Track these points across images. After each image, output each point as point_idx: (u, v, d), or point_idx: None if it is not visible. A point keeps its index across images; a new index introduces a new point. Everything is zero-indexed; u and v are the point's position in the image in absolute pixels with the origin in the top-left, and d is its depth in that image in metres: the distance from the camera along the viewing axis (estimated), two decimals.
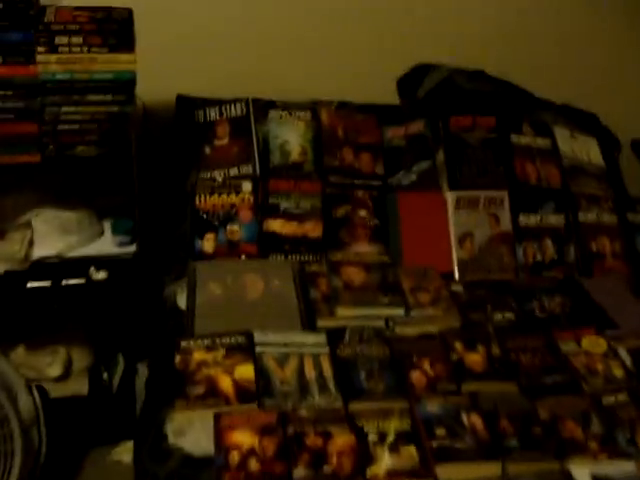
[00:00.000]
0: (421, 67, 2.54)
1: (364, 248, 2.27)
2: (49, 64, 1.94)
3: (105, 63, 1.95)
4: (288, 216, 2.28)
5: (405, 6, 2.52)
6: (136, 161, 2.06)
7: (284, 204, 2.28)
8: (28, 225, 2.20)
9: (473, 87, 2.47)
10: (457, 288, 2.21)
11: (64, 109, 1.97)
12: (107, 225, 2.27)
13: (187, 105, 2.43)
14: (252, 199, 2.27)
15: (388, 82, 2.54)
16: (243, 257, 2.21)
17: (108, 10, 1.98)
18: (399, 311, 2.04)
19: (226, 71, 2.49)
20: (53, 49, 1.93)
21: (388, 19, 2.54)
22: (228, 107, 2.39)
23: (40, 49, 1.93)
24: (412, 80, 2.52)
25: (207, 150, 2.35)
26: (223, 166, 2.33)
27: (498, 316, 2.13)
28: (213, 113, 2.40)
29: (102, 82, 1.97)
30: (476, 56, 2.57)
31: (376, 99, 2.51)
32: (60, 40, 1.93)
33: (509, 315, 2.13)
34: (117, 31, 1.95)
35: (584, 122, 2.60)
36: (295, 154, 2.36)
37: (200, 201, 2.26)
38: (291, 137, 2.38)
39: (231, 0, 2.46)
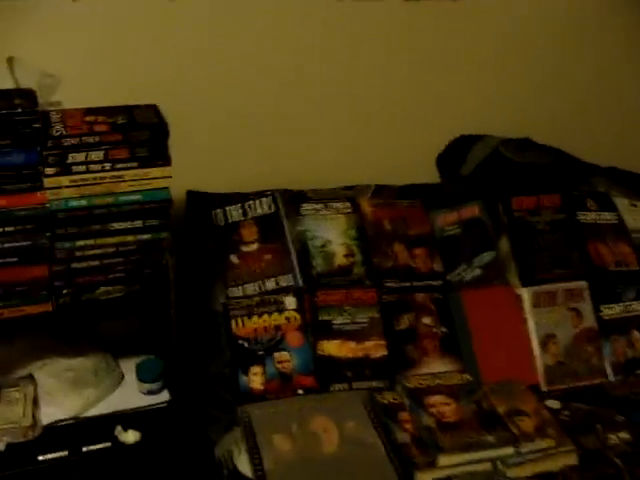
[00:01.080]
0: (462, 140, 2.08)
1: (437, 364, 1.81)
2: (61, 189, 1.39)
3: (133, 181, 1.40)
4: (344, 334, 1.82)
5: (438, 75, 2.04)
6: (174, 293, 1.52)
7: (337, 320, 1.81)
8: (30, 379, 1.63)
9: (523, 159, 2.01)
10: (553, 404, 1.81)
11: (80, 243, 1.44)
12: (126, 365, 1.70)
13: (201, 203, 1.90)
14: (299, 317, 1.75)
15: (426, 158, 2.04)
16: (300, 392, 1.68)
17: (129, 111, 1.43)
18: (508, 450, 1.56)
19: (243, 158, 1.98)
20: (66, 170, 1.37)
21: (419, 89, 2.05)
22: (252, 204, 1.88)
23: (49, 171, 1.37)
24: (454, 155, 2.05)
25: (234, 259, 1.83)
26: (257, 278, 1.83)
27: (612, 438, 1.71)
28: (235, 212, 1.87)
29: (129, 205, 1.41)
30: (512, 121, 2.09)
31: (415, 178, 2.00)
32: (75, 157, 1.37)
33: (624, 435, 1.73)
34: (148, 140, 1.39)
35: (634, 184, 2.16)
36: (340, 256, 1.87)
37: (237, 326, 1.73)
38: (332, 236, 1.89)
39: (246, 79, 1.89)
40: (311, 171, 2.00)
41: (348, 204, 1.97)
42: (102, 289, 1.49)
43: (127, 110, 1.49)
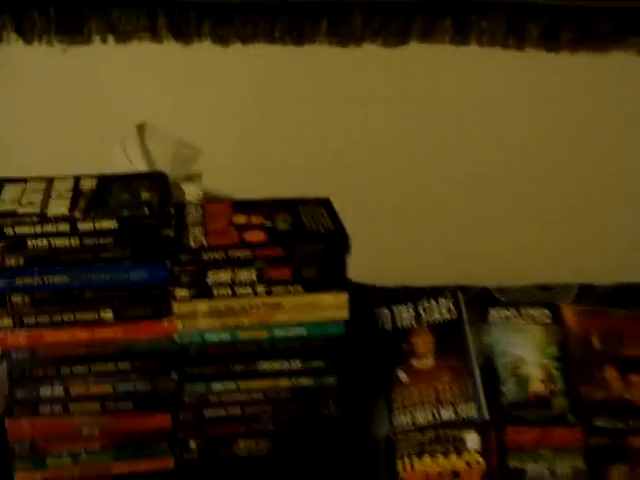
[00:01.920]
0: None
1: None
2: (195, 318, 0.89)
3: (295, 311, 0.90)
4: None
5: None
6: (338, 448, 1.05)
7: (531, 467, 1.31)
8: None
9: None
10: None
11: (217, 387, 0.95)
12: None
13: (363, 298, 1.38)
14: (483, 462, 1.25)
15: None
16: None
17: (293, 209, 0.95)
18: None
19: (416, 243, 1.48)
20: (204, 292, 0.89)
21: (632, 163, 1.48)
22: (427, 306, 1.37)
23: (181, 293, 0.89)
24: None
25: (402, 375, 1.32)
26: (430, 403, 1.35)
27: None
28: (405, 314, 1.37)
29: (286, 342, 0.91)
30: None
31: (628, 276, 1.45)
32: (217, 277, 0.89)
33: None
34: (320, 256, 0.90)
35: None
36: (536, 382, 1.38)
37: (404, 467, 1.24)
38: (527, 353, 1.41)
39: (424, 157, 1.40)
40: (497, 263, 1.49)
41: (546, 311, 1.44)
42: (242, 444, 1.01)
43: (290, 207, 1.01)
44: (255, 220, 1.02)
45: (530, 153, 1.48)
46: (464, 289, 1.48)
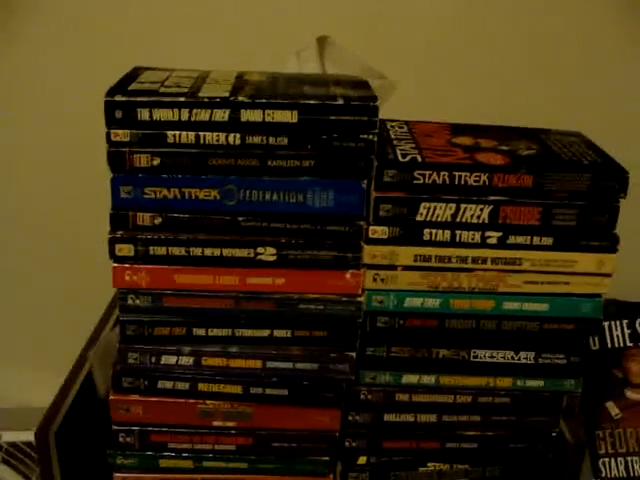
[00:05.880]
0: None
1: None
2: (394, 271, 0.53)
3: (538, 275, 0.52)
4: None
5: None
6: None
7: None
8: None
9: None
10: None
11: (408, 378, 0.63)
12: None
13: None
14: None
15: None
16: None
17: (536, 137, 0.55)
18: None
19: None
20: (410, 231, 0.55)
21: None
22: None
23: (376, 232, 0.56)
24: None
25: (613, 409, 0.92)
26: None
27: None
28: (619, 332, 0.97)
29: (517, 321, 0.53)
30: None
31: None
32: (433, 210, 0.51)
33: None
34: (585, 192, 0.52)
35: None
36: None
37: None
38: None
39: None
40: None
41: None
42: (430, 467, 0.63)
43: (530, 135, 0.63)
44: (486, 143, 0.65)
45: None
46: None
